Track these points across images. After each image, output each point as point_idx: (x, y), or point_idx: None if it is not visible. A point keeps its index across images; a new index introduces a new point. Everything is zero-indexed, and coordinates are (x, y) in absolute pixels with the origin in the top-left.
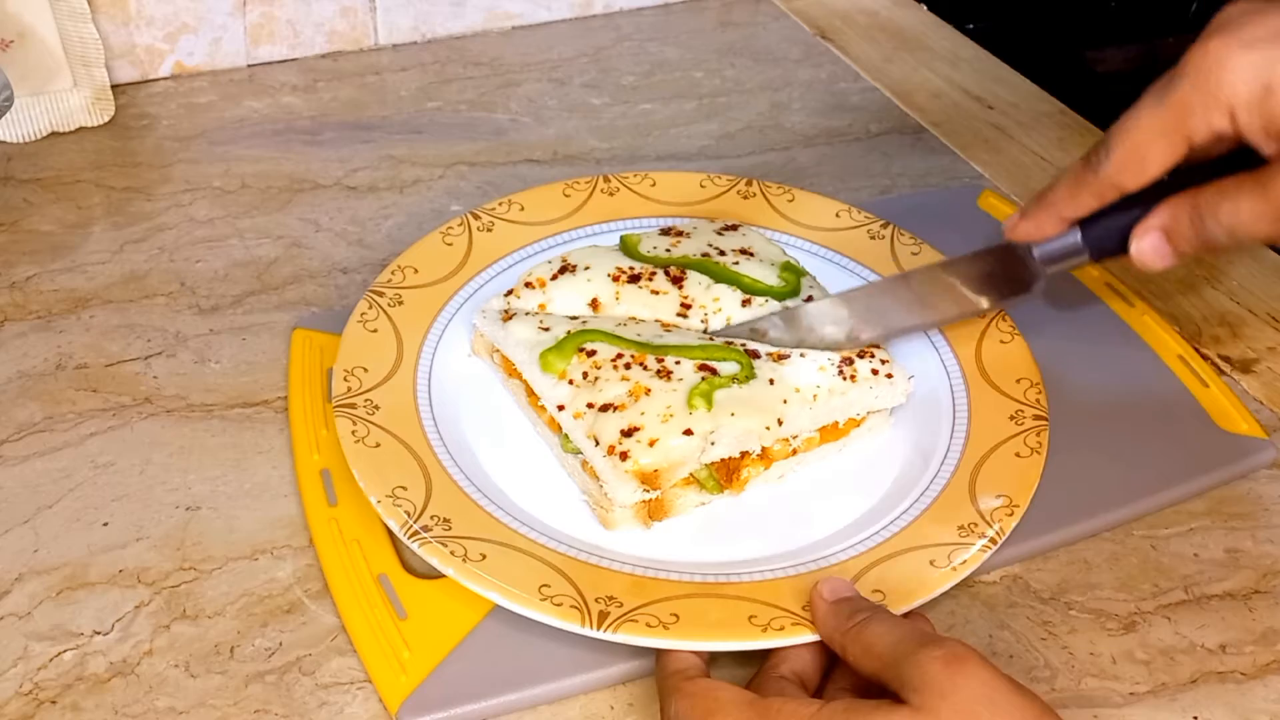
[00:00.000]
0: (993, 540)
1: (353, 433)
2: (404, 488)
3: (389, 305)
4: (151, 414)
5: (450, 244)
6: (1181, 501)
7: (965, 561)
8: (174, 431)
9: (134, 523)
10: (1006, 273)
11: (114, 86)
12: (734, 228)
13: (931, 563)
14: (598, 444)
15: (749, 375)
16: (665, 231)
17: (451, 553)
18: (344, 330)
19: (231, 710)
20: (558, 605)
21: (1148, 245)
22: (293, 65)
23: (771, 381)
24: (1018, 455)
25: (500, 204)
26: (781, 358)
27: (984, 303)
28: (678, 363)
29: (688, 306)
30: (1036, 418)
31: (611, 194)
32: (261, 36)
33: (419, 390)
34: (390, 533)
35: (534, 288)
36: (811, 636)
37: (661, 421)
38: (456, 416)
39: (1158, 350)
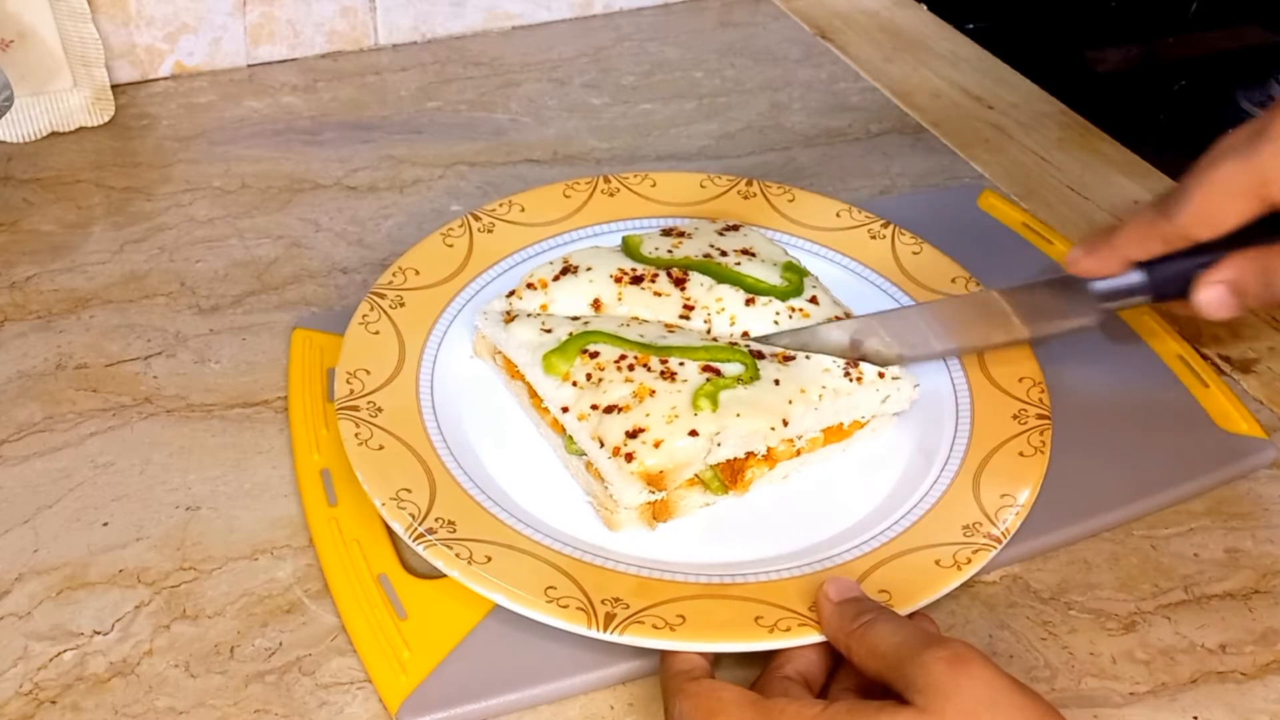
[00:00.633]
0: (998, 539)
1: (356, 435)
2: (408, 490)
3: (390, 307)
4: (151, 414)
5: (451, 245)
6: (1181, 501)
7: (970, 560)
8: (174, 431)
9: (134, 523)
10: (1060, 305)
11: (114, 86)
12: (735, 228)
13: (937, 562)
14: (602, 446)
15: (753, 376)
16: (667, 232)
17: (457, 555)
18: (346, 332)
19: (231, 710)
20: (564, 608)
21: (1214, 296)
22: (293, 65)
23: (776, 382)
24: (1021, 454)
25: (501, 205)
26: (787, 359)
27: (1031, 332)
28: (681, 364)
29: (690, 308)
30: (1040, 417)
31: (612, 194)
32: (261, 36)
33: (421, 392)
34: (390, 533)
35: (536, 289)
36: (818, 637)
37: (666, 423)
38: (459, 418)
39: (1158, 350)
